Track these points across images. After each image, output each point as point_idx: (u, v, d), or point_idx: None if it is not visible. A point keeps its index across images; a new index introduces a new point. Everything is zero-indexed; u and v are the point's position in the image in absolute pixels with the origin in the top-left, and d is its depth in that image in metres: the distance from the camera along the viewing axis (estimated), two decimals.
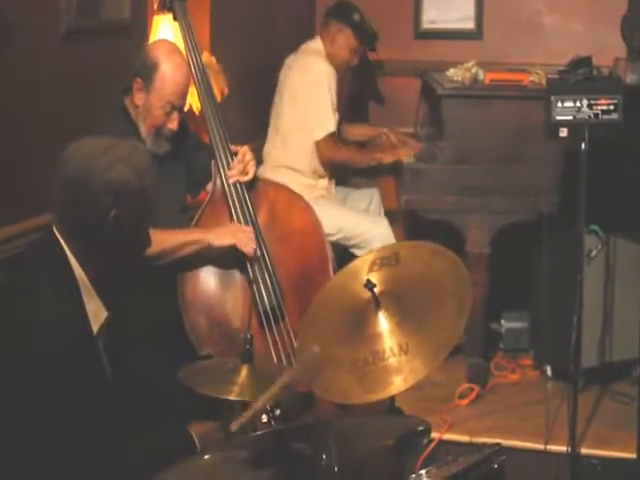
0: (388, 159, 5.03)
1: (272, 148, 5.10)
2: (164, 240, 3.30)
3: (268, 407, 2.59)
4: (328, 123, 4.98)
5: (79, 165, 2.43)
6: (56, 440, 2.31)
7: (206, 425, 2.58)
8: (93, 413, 2.37)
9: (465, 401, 4.54)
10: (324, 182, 5.09)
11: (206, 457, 2.40)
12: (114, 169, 2.43)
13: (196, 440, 2.52)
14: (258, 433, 2.52)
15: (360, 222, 4.91)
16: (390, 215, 5.15)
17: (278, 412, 2.60)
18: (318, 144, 4.98)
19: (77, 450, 2.32)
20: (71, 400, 2.33)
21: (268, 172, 4.94)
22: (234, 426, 2.36)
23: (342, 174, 5.31)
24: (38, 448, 2.31)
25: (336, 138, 5.07)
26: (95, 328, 2.47)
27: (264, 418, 2.60)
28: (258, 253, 3.51)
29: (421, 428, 2.61)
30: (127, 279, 2.58)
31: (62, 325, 2.36)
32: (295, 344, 3.35)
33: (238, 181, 3.58)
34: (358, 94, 5.94)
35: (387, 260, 2.74)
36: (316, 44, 5.16)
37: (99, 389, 2.42)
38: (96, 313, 2.47)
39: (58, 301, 2.39)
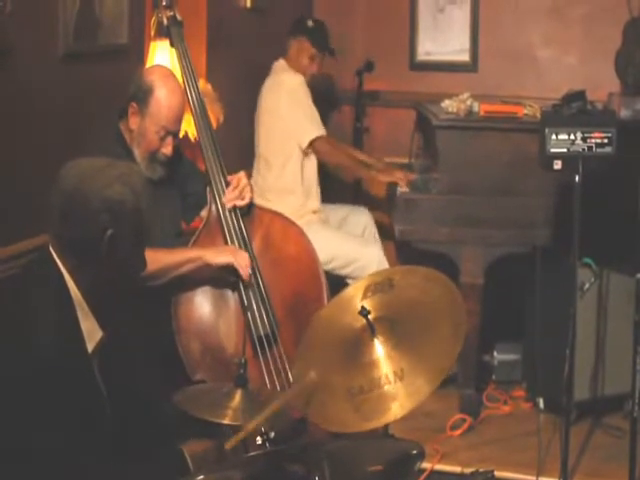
0: (384, 178, 5.04)
1: (256, 176, 5.12)
2: (161, 258, 3.29)
3: (263, 429, 2.58)
4: (317, 125, 5.04)
5: (77, 182, 2.43)
6: (49, 459, 2.29)
7: (200, 444, 2.56)
8: (87, 432, 2.35)
9: (457, 432, 4.54)
10: (314, 203, 5.09)
11: (200, 478, 2.38)
12: (112, 188, 2.43)
13: (189, 460, 2.51)
14: (252, 454, 2.51)
15: (354, 248, 4.91)
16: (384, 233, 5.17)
17: (272, 434, 2.58)
18: (313, 144, 5.01)
19: (70, 469, 2.31)
20: (64, 418, 2.32)
21: (256, 200, 4.96)
22: (229, 445, 2.35)
23: (336, 192, 5.32)
24: (31, 466, 2.29)
25: (331, 139, 5.10)
26: (90, 347, 2.46)
27: (258, 440, 2.58)
28: (252, 280, 3.50)
29: (415, 452, 2.59)
30: (122, 299, 2.57)
31: (57, 344, 2.36)
32: (289, 370, 3.34)
33: (235, 206, 3.58)
34: (352, 124, 5.95)
35: (381, 286, 2.73)
36: (279, 64, 5.23)
37: (93, 408, 2.41)
38: (91, 332, 2.47)
39: (53, 320, 2.38)
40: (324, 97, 5.58)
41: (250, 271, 3.47)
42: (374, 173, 5.15)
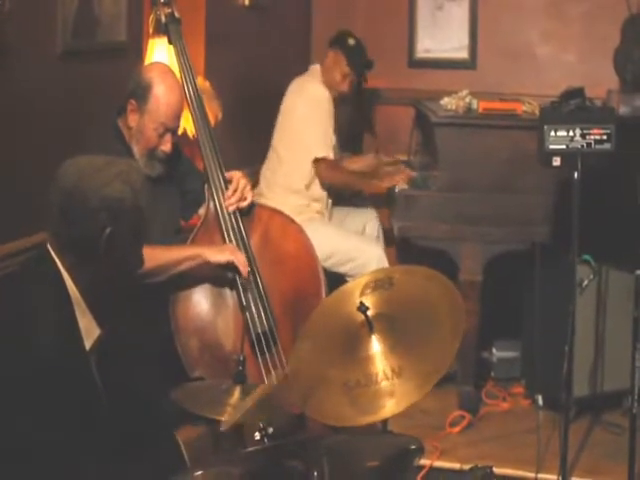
0: (385, 184, 5.03)
1: (268, 167, 5.13)
2: (159, 256, 3.29)
3: (261, 425, 2.58)
4: (327, 146, 5.02)
5: (76, 180, 2.43)
6: (47, 456, 2.29)
7: (193, 429, 2.56)
8: (85, 430, 2.35)
9: (456, 429, 4.53)
10: (318, 205, 5.09)
11: (198, 473, 2.39)
12: (111, 186, 2.43)
13: (185, 453, 2.51)
14: (250, 450, 2.51)
15: (354, 245, 4.90)
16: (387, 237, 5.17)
17: (271, 430, 2.58)
18: (316, 165, 5.00)
19: (68, 467, 2.31)
20: (63, 416, 2.32)
21: (264, 190, 4.99)
22: (223, 426, 2.35)
23: (339, 196, 5.32)
24: (29, 464, 2.29)
25: (333, 162, 5.09)
26: (88, 345, 2.46)
27: (257, 436, 2.58)
28: (251, 278, 3.50)
29: (413, 447, 2.60)
30: (120, 297, 2.57)
31: (55, 342, 2.36)
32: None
33: (237, 208, 3.58)
34: (352, 122, 5.95)
35: (380, 283, 2.74)
36: (315, 69, 5.23)
37: (91, 406, 2.41)
38: (89, 330, 2.46)
39: (51, 318, 2.38)
40: None
41: (248, 268, 3.47)
42: (376, 182, 5.14)
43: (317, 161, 5.00)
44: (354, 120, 5.93)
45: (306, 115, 5.02)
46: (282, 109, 5.14)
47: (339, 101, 5.21)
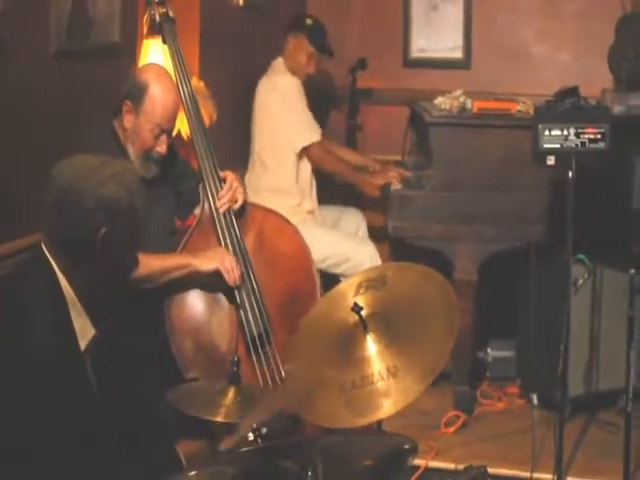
0: (378, 181, 5.02)
1: (251, 174, 5.12)
2: (151, 264, 3.29)
3: (255, 425, 2.58)
4: (312, 131, 5.03)
5: (72, 180, 2.43)
6: (42, 457, 2.29)
7: (193, 444, 2.57)
8: (80, 430, 2.35)
9: (452, 429, 4.53)
10: (309, 204, 5.09)
11: (193, 474, 2.39)
12: (106, 186, 2.43)
13: (182, 458, 2.51)
14: (245, 450, 2.51)
15: (348, 246, 4.90)
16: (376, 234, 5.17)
17: (264, 430, 2.58)
18: (307, 150, 5.01)
19: (62, 467, 2.30)
20: (58, 417, 2.31)
21: (251, 198, 4.96)
22: (224, 445, 2.35)
23: (329, 193, 5.32)
24: (24, 466, 2.29)
25: (326, 145, 5.09)
26: (82, 345, 2.46)
27: (250, 436, 2.58)
28: (245, 279, 3.50)
29: (407, 446, 2.60)
30: (115, 298, 2.57)
31: (50, 342, 2.36)
32: (281, 369, 3.34)
33: (229, 209, 3.58)
34: (346, 122, 5.95)
35: (374, 282, 2.74)
36: (277, 62, 5.20)
37: (86, 406, 2.41)
38: (84, 331, 2.46)
39: (46, 319, 2.38)
40: (318, 94, 5.57)
41: (238, 275, 3.46)
42: (368, 177, 5.13)
43: (307, 147, 5.00)
44: (348, 120, 5.92)
45: (282, 109, 5.01)
46: (256, 111, 5.10)
47: (308, 85, 5.18)
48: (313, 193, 5.15)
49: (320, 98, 5.68)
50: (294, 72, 5.13)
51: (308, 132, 5.03)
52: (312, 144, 5.02)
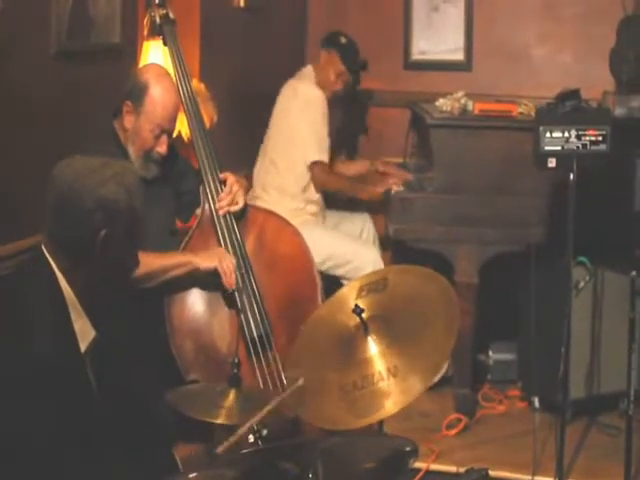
0: (379, 189, 5.02)
1: (260, 170, 5.12)
2: (151, 263, 3.28)
3: (255, 427, 2.57)
4: (322, 149, 5.01)
5: (71, 181, 2.42)
6: (41, 458, 2.28)
7: (191, 448, 2.56)
8: (79, 432, 2.34)
9: (453, 431, 4.53)
10: (314, 208, 5.08)
11: (193, 476, 2.38)
12: (106, 186, 2.42)
13: (179, 462, 2.50)
14: (245, 452, 2.50)
15: (350, 248, 4.90)
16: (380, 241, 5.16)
17: (265, 432, 2.58)
18: (312, 167, 5.00)
19: (61, 468, 2.30)
20: (58, 418, 2.31)
21: (258, 192, 4.97)
22: (220, 449, 2.34)
23: (334, 200, 5.31)
24: (22, 466, 2.28)
25: (329, 166, 5.08)
26: (83, 347, 2.45)
27: (251, 438, 2.58)
28: (246, 280, 3.49)
29: (408, 449, 2.59)
30: (115, 299, 2.56)
31: (50, 344, 2.35)
32: (282, 371, 3.33)
33: (228, 212, 3.57)
34: (347, 124, 5.94)
35: (375, 286, 2.74)
36: (307, 70, 5.22)
37: (86, 408, 2.40)
38: (84, 332, 2.45)
39: (46, 320, 2.37)
40: None
41: (234, 277, 3.45)
42: (370, 188, 5.13)
43: (312, 165, 4.99)
44: (349, 122, 5.92)
45: (301, 117, 5.01)
46: (275, 111, 5.12)
47: (333, 102, 5.19)
48: (320, 200, 5.13)
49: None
50: (321, 86, 5.13)
51: (317, 149, 5.01)
52: (316, 162, 5.00)
